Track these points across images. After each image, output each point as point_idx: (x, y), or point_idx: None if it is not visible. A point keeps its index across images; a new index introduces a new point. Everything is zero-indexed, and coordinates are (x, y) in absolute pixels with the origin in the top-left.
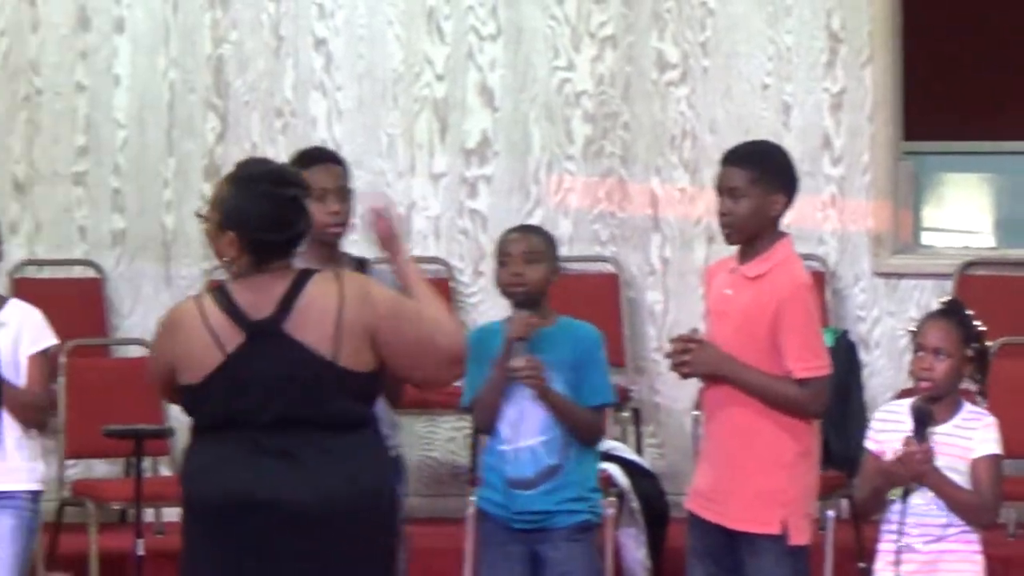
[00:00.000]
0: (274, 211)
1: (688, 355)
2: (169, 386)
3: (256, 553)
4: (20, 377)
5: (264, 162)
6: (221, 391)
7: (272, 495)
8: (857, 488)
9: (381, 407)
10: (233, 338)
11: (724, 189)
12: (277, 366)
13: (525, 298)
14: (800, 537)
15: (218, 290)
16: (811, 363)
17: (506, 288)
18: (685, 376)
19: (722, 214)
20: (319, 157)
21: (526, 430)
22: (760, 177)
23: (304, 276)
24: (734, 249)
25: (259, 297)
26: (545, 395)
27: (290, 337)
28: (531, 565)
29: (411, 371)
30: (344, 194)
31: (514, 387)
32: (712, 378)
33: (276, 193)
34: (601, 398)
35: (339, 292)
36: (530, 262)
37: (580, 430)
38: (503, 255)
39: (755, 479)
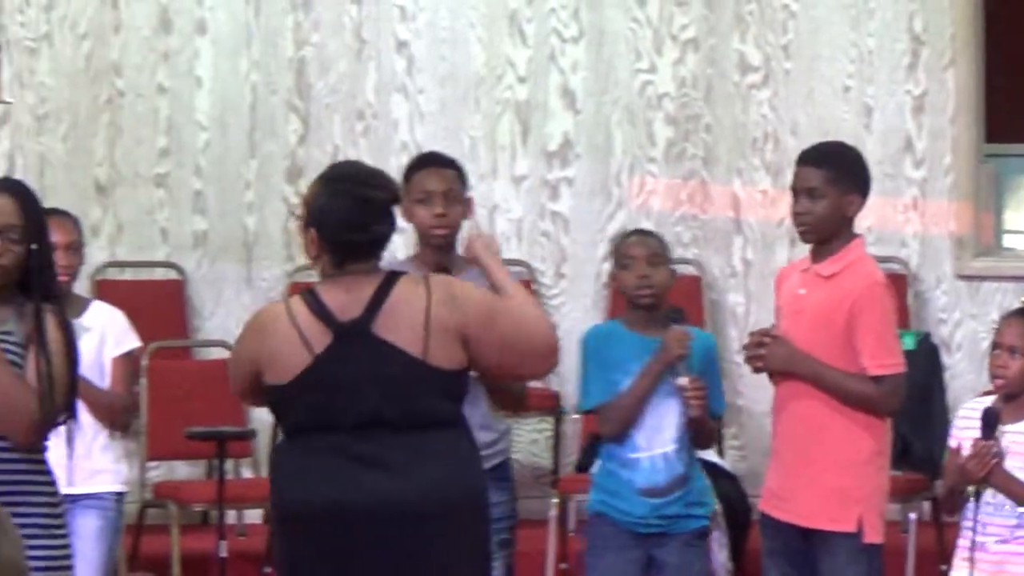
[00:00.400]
0: (354, 212)
1: (763, 350)
2: (251, 387)
3: (353, 559)
4: (104, 379)
5: (354, 164)
6: (309, 392)
7: (366, 501)
8: (942, 494)
9: (484, 412)
10: (321, 339)
11: (801, 189)
12: (365, 366)
13: (652, 301)
14: (874, 535)
15: (308, 292)
16: (886, 360)
17: (633, 291)
18: (758, 371)
19: (798, 213)
20: (429, 160)
21: (661, 439)
22: (837, 177)
23: (392, 278)
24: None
25: (347, 298)
26: (705, 415)
27: (378, 337)
28: (646, 569)
29: (508, 368)
30: (452, 198)
31: (653, 396)
32: (785, 374)
33: (358, 194)
34: (720, 407)
35: (426, 293)
36: (654, 264)
37: (703, 440)
38: (625, 258)
39: (827, 476)
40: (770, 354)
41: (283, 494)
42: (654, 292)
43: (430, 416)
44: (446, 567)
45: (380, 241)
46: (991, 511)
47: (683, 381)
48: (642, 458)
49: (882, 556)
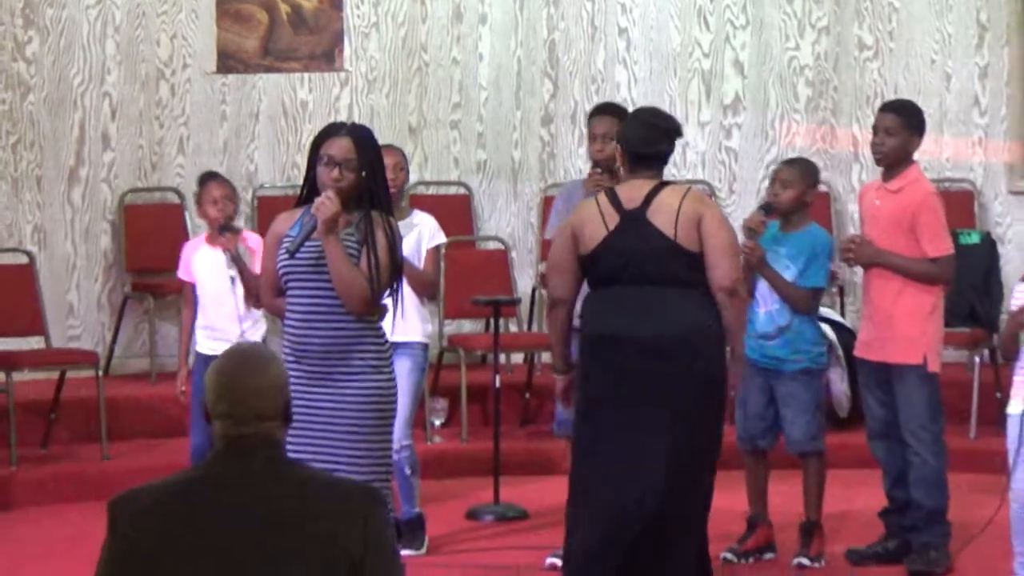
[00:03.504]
0: (646, 135)
1: (852, 251)
2: (569, 250)
3: (623, 373)
4: (420, 262)
5: (652, 107)
6: (606, 254)
7: (632, 332)
8: (1002, 339)
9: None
10: (613, 219)
11: (880, 128)
12: (639, 240)
13: (777, 210)
14: (935, 366)
15: (610, 189)
16: (940, 246)
17: (770, 204)
18: (851, 264)
19: (877, 144)
20: (600, 109)
21: (765, 298)
22: (907, 122)
23: (663, 184)
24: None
25: (633, 194)
26: (761, 269)
27: (649, 221)
28: (769, 393)
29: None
30: (609, 137)
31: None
32: (870, 264)
33: (650, 123)
34: (811, 282)
35: (682, 196)
36: (784, 187)
37: (791, 302)
38: (772, 182)
39: (901, 328)
40: (857, 252)
41: (587, 327)
42: (780, 206)
43: (677, 278)
44: (683, 382)
45: (664, 156)
46: None
47: (747, 244)
48: (759, 312)
49: (939, 381)
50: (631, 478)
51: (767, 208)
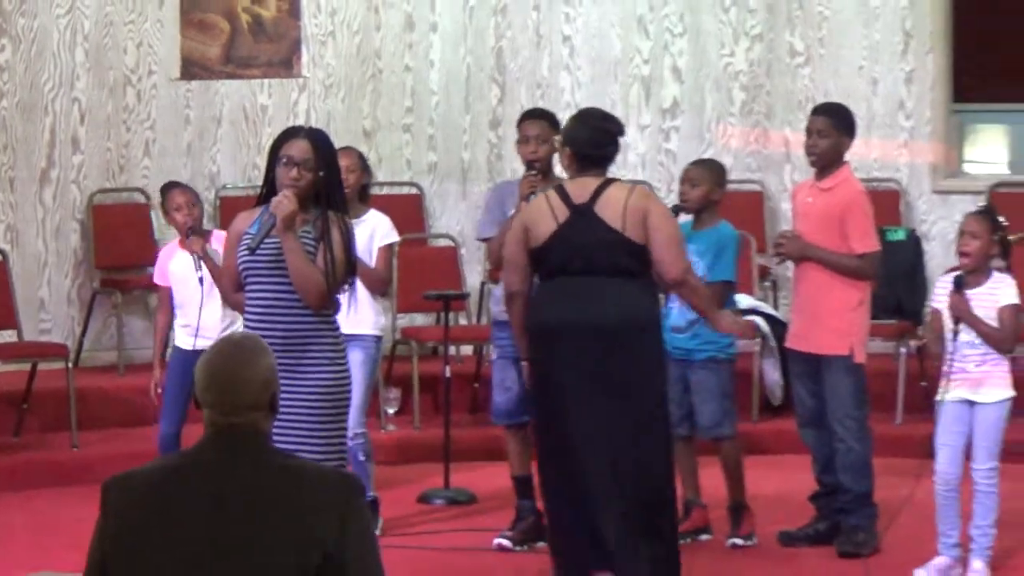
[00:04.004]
0: (594, 137)
1: (783, 245)
2: (520, 244)
3: (571, 357)
4: (372, 260)
5: (598, 109)
6: (555, 248)
7: (579, 319)
8: (925, 333)
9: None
10: (563, 214)
11: (813, 130)
12: (588, 233)
13: (688, 209)
14: (861, 357)
15: (559, 187)
16: (867, 243)
17: (681, 205)
18: (781, 260)
19: (811, 145)
20: (531, 114)
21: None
22: (837, 124)
23: (609, 181)
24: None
25: (581, 191)
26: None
27: (597, 215)
28: (684, 383)
29: (656, 254)
30: (542, 139)
31: None
32: (800, 259)
33: (598, 126)
34: (719, 276)
35: (628, 192)
36: (693, 186)
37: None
38: (681, 181)
39: (830, 320)
40: (788, 247)
41: (533, 316)
42: (688, 204)
43: (623, 269)
44: (628, 363)
45: (609, 157)
46: (968, 346)
47: None
48: (672, 307)
49: (865, 372)
50: (593, 450)
51: (676, 209)
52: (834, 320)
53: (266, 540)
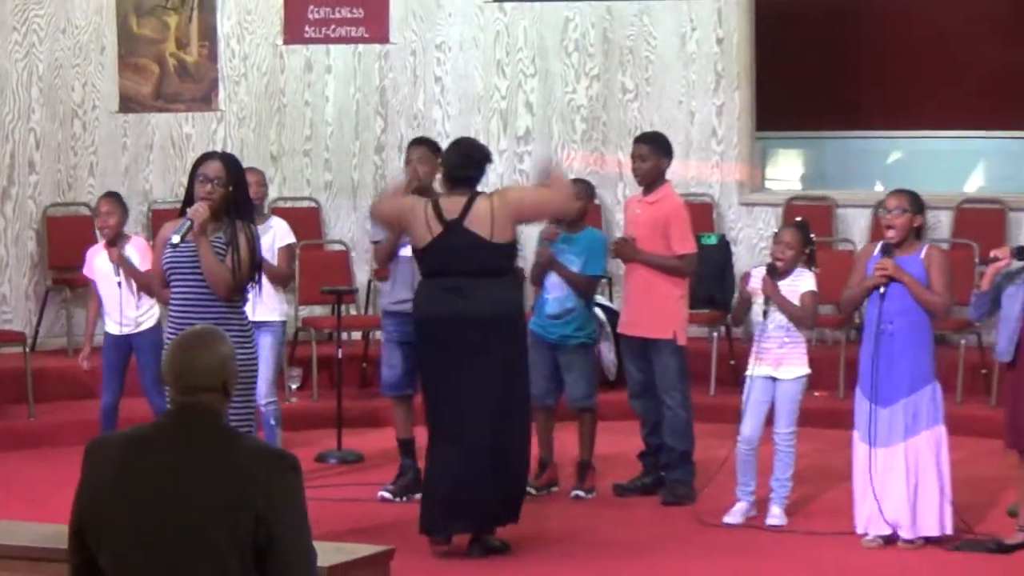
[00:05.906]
0: (461, 162)
1: (619, 248)
2: (394, 224)
3: (450, 344)
4: (275, 259)
5: (470, 139)
6: (431, 256)
7: (456, 312)
8: (733, 310)
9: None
10: (436, 228)
11: (636, 155)
12: (458, 244)
13: (563, 220)
14: (683, 340)
15: (433, 200)
16: (686, 246)
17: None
18: (618, 258)
19: (635, 169)
20: (415, 141)
21: (554, 287)
22: (656, 149)
23: (476, 195)
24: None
25: (453, 207)
26: (552, 266)
27: (467, 229)
28: (554, 362)
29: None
30: (428, 162)
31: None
32: (631, 260)
33: (465, 153)
34: (592, 271)
35: (491, 201)
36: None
37: (579, 288)
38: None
39: (656, 310)
40: (622, 250)
41: (418, 310)
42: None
43: (492, 269)
44: (496, 347)
45: (476, 177)
46: (775, 326)
47: (541, 251)
48: (549, 298)
49: (686, 352)
50: (471, 417)
51: (556, 220)
52: (660, 310)
53: (206, 504)
